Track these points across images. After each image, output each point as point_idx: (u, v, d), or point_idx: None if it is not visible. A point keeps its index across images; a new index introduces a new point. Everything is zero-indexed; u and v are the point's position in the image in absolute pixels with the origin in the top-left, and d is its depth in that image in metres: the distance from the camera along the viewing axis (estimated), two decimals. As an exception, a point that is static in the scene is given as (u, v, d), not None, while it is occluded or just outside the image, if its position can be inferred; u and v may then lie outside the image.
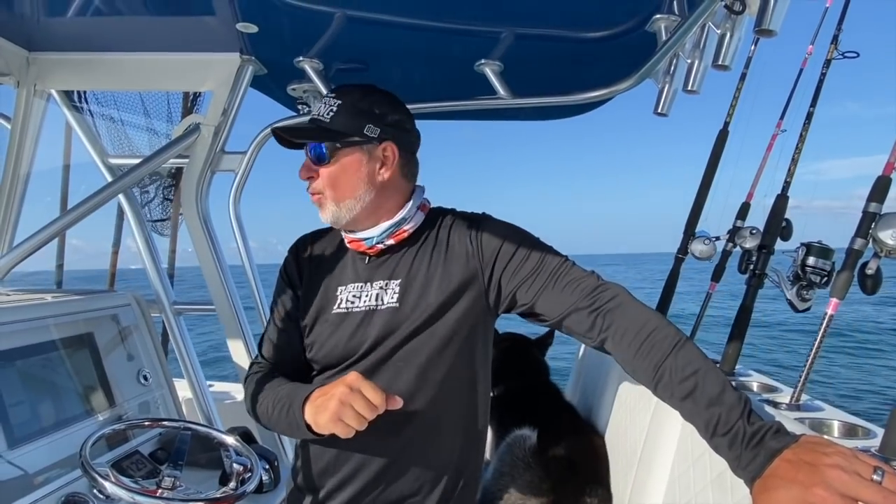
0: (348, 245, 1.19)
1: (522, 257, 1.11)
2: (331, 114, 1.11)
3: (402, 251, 1.17)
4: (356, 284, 1.17)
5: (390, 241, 1.16)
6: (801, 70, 1.74)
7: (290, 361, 1.23)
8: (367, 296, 1.15)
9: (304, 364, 1.23)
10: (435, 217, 1.22)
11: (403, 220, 1.16)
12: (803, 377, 1.19)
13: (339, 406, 0.91)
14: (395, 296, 1.13)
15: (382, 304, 1.14)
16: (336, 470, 1.15)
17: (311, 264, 1.25)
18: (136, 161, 1.75)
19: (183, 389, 1.98)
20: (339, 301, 1.17)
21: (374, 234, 1.15)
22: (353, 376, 0.93)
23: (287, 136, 1.14)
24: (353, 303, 1.16)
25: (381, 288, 1.15)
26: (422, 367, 1.11)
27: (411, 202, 1.18)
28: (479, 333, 1.17)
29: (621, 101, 1.74)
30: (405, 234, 1.16)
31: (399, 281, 1.14)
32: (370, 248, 1.16)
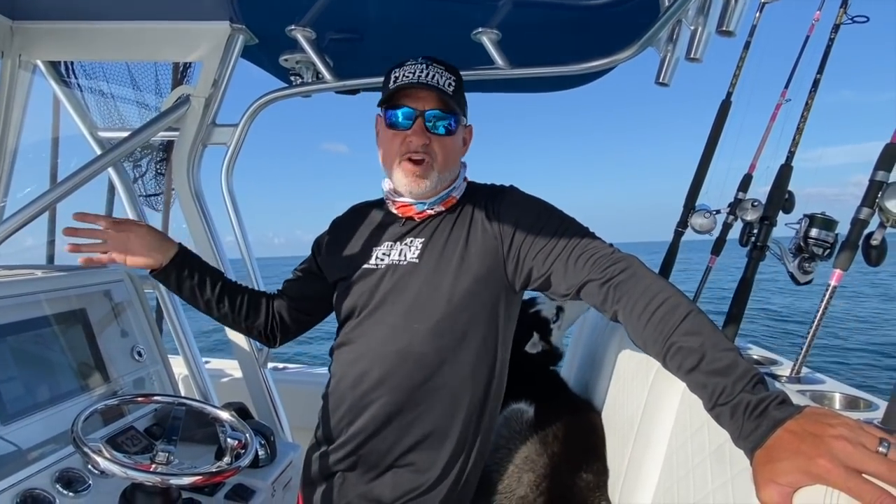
0: (395, 210, 1.26)
1: (540, 228, 1.14)
2: (451, 87, 1.17)
3: (434, 216, 1.24)
4: (388, 243, 1.25)
5: (441, 208, 1.23)
6: (807, 37, 1.69)
7: (285, 299, 1.46)
8: (394, 252, 1.22)
9: (294, 309, 1.46)
10: (468, 189, 1.28)
11: (454, 189, 1.24)
12: (805, 349, 1.17)
13: None
14: (417, 251, 1.20)
15: (405, 259, 1.20)
16: (350, 422, 1.19)
17: (354, 229, 1.34)
18: (126, 134, 1.71)
19: (179, 366, 1.97)
20: (370, 258, 1.25)
21: (428, 199, 1.22)
22: None
23: (441, 96, 1.15)
24: (382, 259, 1.23)
25: (405, 245, 1.22)
26: (436, 326, 1.14)
27: (461, 172, 1.28)
28: (499, 307, 1.19)
29: (621, 71, 1.72)
30: (454, 201, 1.24)
31: (423, 240, 1.21)
32: (420, 213, 1.23)
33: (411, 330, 1.15)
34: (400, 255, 1.21)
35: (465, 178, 1.29)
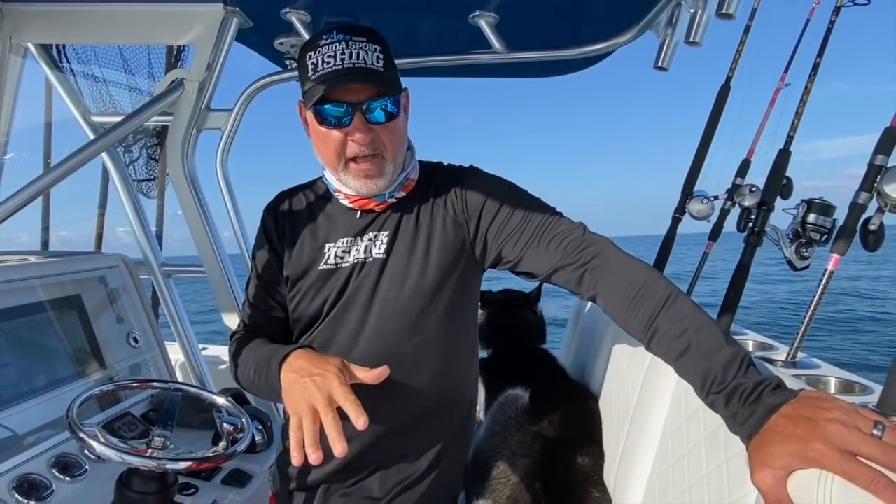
0: (349, 203, 1.12)
1: (508, 212, 1.08)
2: (381, 61, 0.98)
3: (395, 204, 1.13)
4: (346, 239, 1.12)
5: (401, 194, 1.11)
6: (807, 21, 1.67)
7: (274, 323, 1.19)
8: (356, 249, 1.11)
9: (288, 324, 1.19)
10: (424, 170, 1.18)
11: (411, 170, 1.13)
12: (801, 334, 1.17)
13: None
14: (384, 247, 1.09)
15: (370, 256, 1.10)
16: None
17: (293, 221, 1.17)
18: (119, 118, 1.69)
19: (176, 353, 1.97)
20: (326, 257, 1.12)
21: (387, 188, 1.09)
22: (338, 380, 0.88)
23: (375, 79, 0.97)
24: (342, 258, 1.11)
25: (369, 240, 1.11)
26: (412, 324, 1.08)
27: (411, 151, 1.14)
28: (467, 288, 1.15)
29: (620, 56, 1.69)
30: (413, 184, 1.13)
31: (388, 233, 1.10)
32: (380, 204, 1.10)
33: (386, 331, 1.08)
34: (365, 251, 1.10)
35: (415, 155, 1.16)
